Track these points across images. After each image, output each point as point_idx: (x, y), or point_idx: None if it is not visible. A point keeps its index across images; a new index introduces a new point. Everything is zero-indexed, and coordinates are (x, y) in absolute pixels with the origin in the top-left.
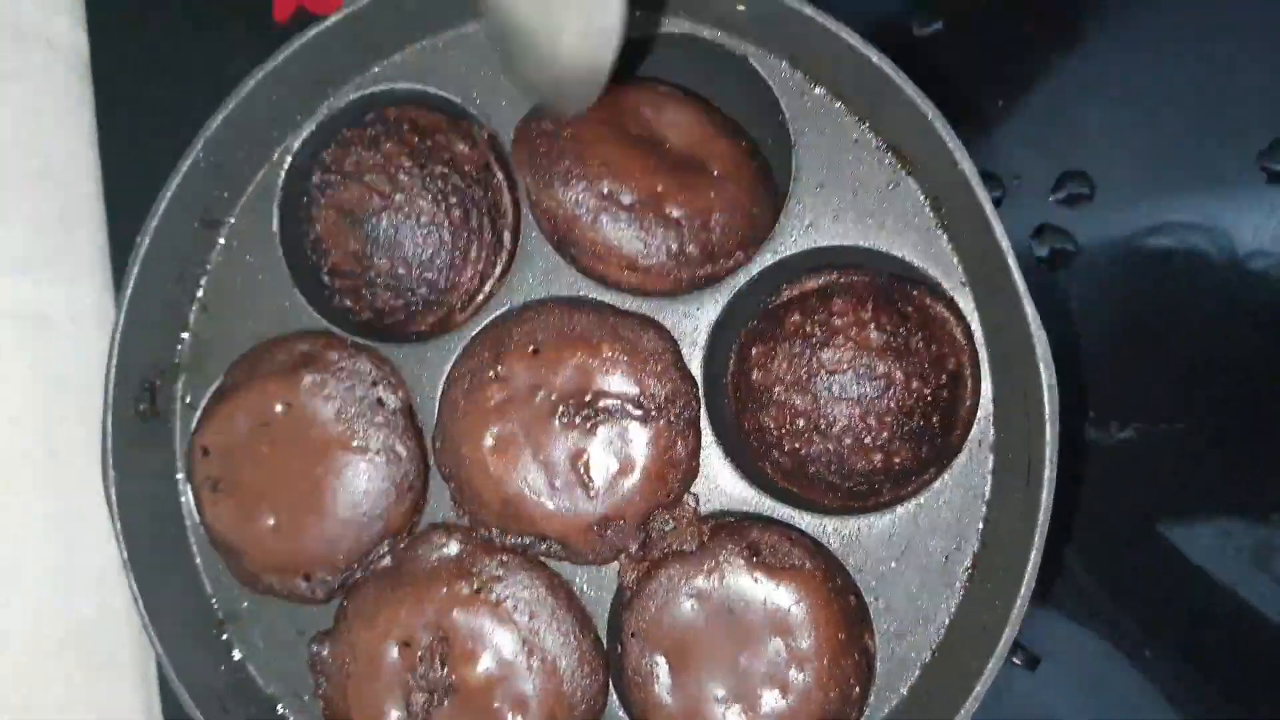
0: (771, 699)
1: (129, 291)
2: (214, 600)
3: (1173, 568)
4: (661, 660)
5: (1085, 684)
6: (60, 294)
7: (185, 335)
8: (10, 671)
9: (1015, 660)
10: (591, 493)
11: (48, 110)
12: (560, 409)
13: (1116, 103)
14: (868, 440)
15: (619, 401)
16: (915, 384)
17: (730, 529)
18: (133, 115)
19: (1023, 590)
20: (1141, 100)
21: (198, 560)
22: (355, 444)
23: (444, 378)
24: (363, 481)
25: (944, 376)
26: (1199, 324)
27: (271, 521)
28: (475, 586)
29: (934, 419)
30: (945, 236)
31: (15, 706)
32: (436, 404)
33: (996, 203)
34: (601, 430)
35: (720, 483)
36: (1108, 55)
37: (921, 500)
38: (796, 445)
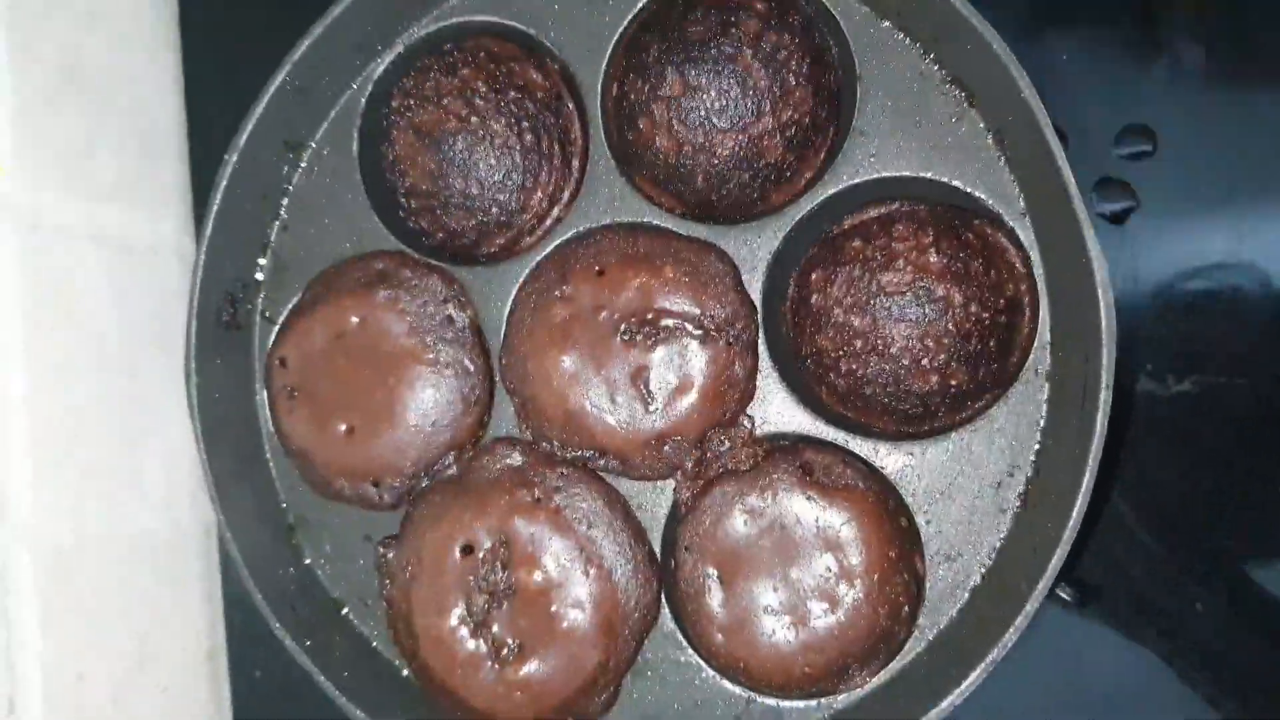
0: (821, 613)
1: (215, 207)
2: (285, 507)
3: (1225, 521)
4: (713, 573)
5: (1135, 625)
6: (143, 224)
7: (266, 253)
8: (83, 579)
9: (1064, 595)
10: (650, 409)
11: (136, 44)
12: (623, 327)
13: (1185, 59)
14: (925, 362)
15: (680, 321)
16: (973, 307)
17: (784, 450)
18: (216, 51)
19: (1075, 511)
20: (1212, 56)
21: (271, 469)
22: (426, 357)
23: (511, 298)
24: (431, 393)
25: (1002, 302)
26: (1264, 279)
27: (344, 428)
28: (536, 495)
29: (991, 343)
30: (1007, 168)
31: (88, 610)
32: (503, 324)
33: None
34: (662, 349)
35: (776, 407)
36: (1177, 11)
37: (976, 427)
38: (854, 367)
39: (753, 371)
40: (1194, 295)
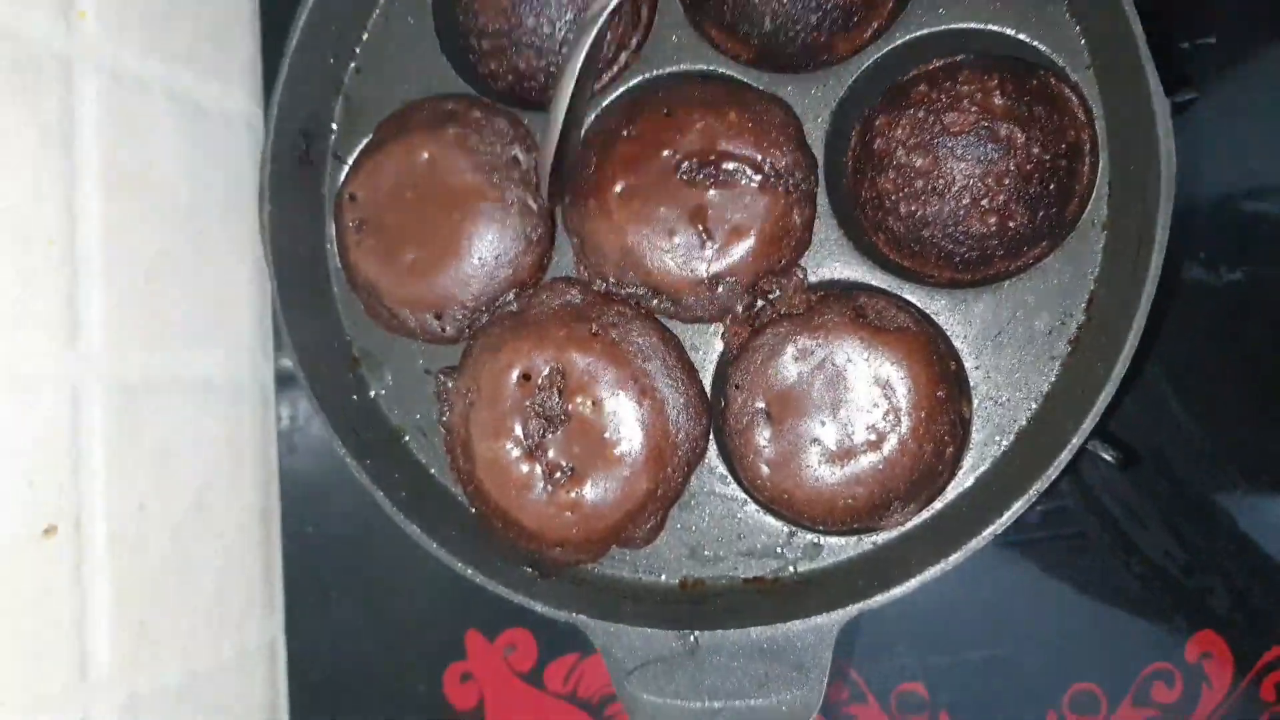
0: (866, 448)
1: (293, 43)
2: (350, 340)
3: (1271, 411)
4: (762, 408)
5: (1172, 504)
6: (216, 91)
7: (340, 94)
8: (149, 415)
9: (1107, 457)
10: (706, 250)
11: None
12: (684, 165)
13: None
14: (985, 202)
15: (740, 165)
16: (1035, 149)
17: (838, 295)
18: None
19: (1126, 349)
20: None
21: (338, 303)
22: (491, 195)
23: (578, 140)
24: (495, 229)
25: (1063, 145)
26: None
27: (410, 259)
28: (594, 329)
29: (1051, 186)
30: (1073, 21)
31: (151, 448)
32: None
33: None
34: (721, 191)
35: (833, 256)
36: None
37: (1030, 275)
38: (913, 208)
39: (809, 221)
40: (1251, 187)
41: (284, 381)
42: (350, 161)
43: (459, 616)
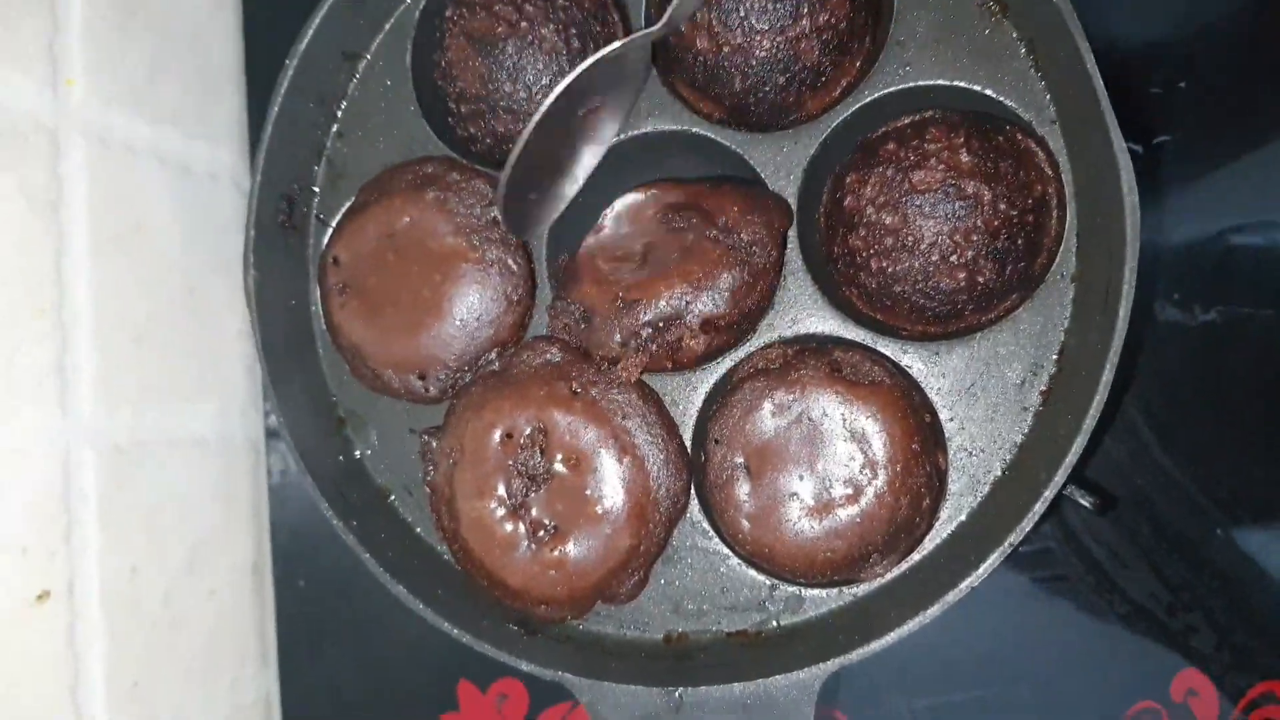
0: (844, 501)
1: (275, 110)
2: (335, 400)
3: (1248, 450)
4: (742, 463)
5: (1153, 545)
6: (203, 151)
7: (322, 159)
8: (141, 479)
9: (1084, 502)
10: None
11: None
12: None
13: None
14: (953, 258)
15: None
16: (1002, 205)
17: (814, 350)
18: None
19: (1097, 399)
20: None
21: (323, 364)
22: (472, 256)
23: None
24: (476, 290)
25: (1030, 201)
26: None
27: (393, 321)
28: (574, 388)
29: (1018, 241)
30: (1038, 76)
31: (143, 510)
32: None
33: None
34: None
35: (807, 311)
36: None
37: (1001, 328)
38: (884, 264)
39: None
40: (1223, 228)
41: (275, 435)
42: (334, 224)
43: (451, 667)
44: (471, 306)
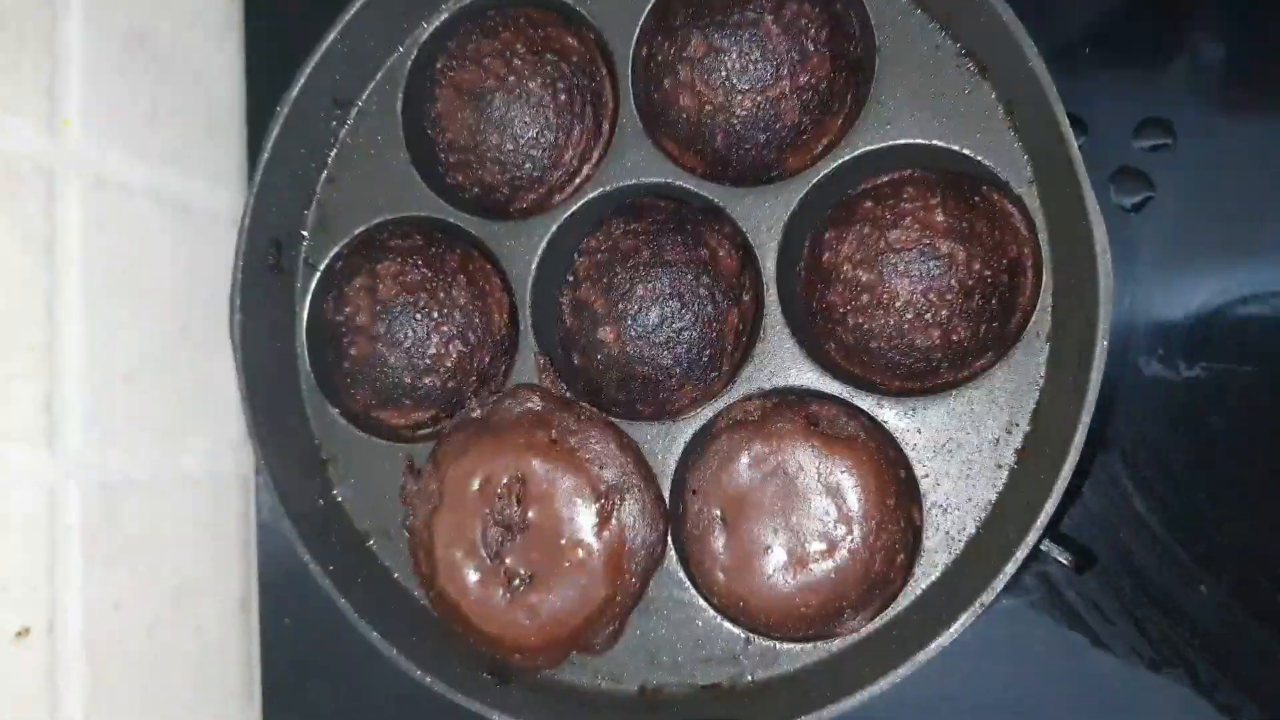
0: (819, 556)
1: (266, 155)
2: (319, 443)
3: (1234, 507)
4: (718, 515)
5: (1136, 601)
6: (202, 192)
7: (312, 204)
8: (127, 516)
9: (1061, 560)
10: None
11: (202, 23)
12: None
13: (1205, 54)
14: (928, 316)
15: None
16: (976, 265)
17: (791, 403)
18: (278, 40)
19: (1070, 457)
20: (1232, 54)
21: (307, 408)
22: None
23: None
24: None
25: (1005, 261)
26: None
27: None
28: (553, 436)
29: (993, 301)
30: (1015, 137)
31: (129, 546)
32: (530, 276)
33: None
34: None
35: (785, 364)
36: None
37: (977, 385)
38: (860, 321)
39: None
40: (1208, 285)
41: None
42: (321, 269)
43: (434, 712)
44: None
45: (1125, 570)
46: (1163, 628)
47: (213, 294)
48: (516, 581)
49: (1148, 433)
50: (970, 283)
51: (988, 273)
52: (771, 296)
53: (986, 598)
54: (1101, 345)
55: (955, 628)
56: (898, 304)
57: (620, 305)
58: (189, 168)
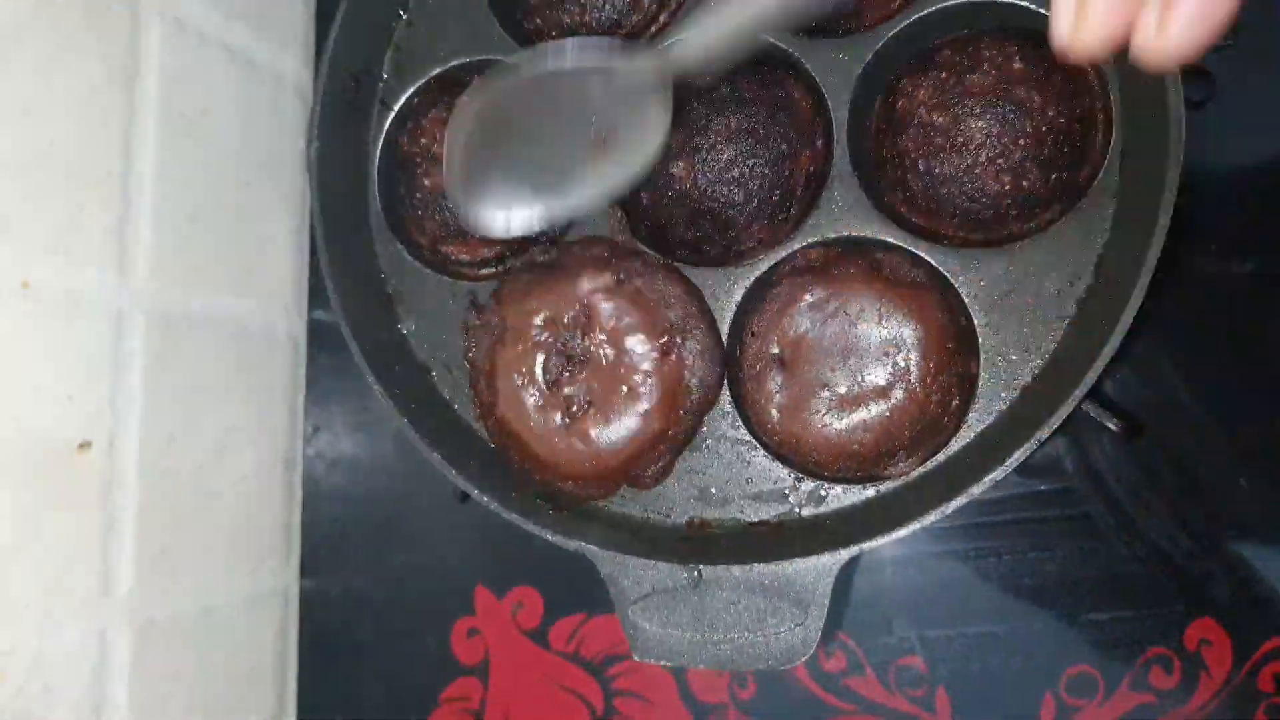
0: (875, 397)
1: None
2: (385, 276)
3: (1275, 402)
4: (776, 354)
5: (1180, 485)
6: (269, 49)
7: (390, 45)
8: (186, 350)
9: (1111, 426)
10: None
11: None
12: None
13: None
14: (1001, 160)
15: None
16: (1051, 112)
17: (855, 251)
18: None
19: (1127, 312)
20: None
21: (375, 243)
22: None
23: None
24: None
25: (1078, 111)
26: None
27: None
28: (619, 277)
29: (1065, 149)
30: None
31: (184, 383)
32: None
33: None
34: None
35: (852, 214)
36: None
37: (1042, 237)
38: (932, 165)
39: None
40: (1264, 184)
41: (317, 332)
42: (395, 109)
43: (470, 572)
44: None
45: (1167, 458)
46: (1201, 518)
47: (273, 155)
48: (575, 408)
49: (1198, 326)
50: (1044, 129)
51: (1061, 120)
52: (841, 146)
53: (1043, 433)
54: (1169, 200)
55: (1011, 461)
56: (971, 146)
57: (695, 140)
58: (261, 26)
